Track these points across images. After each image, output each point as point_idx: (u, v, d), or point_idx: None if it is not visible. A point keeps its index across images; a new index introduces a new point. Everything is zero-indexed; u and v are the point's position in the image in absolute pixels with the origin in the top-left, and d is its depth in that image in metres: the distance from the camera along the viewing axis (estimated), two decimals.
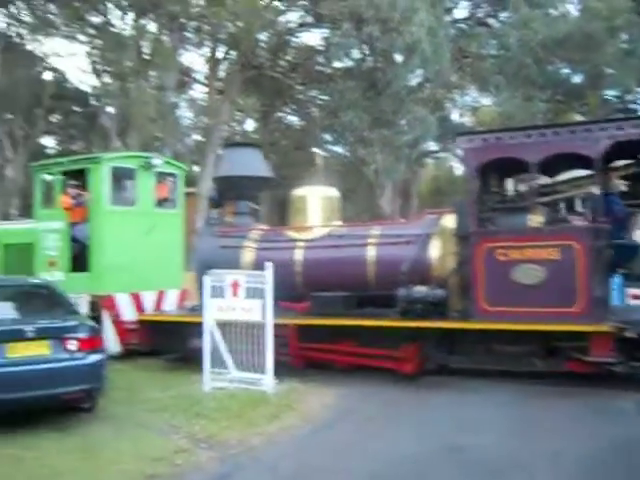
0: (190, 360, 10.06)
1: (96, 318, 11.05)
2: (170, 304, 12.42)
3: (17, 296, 8.28)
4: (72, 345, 7.23)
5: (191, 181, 24.90)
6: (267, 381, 8.64)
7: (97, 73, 23.21)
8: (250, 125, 32.42)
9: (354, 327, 9.63)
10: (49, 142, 37.02)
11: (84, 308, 11.23)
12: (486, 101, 36.49)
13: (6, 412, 7.00)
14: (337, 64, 24.56)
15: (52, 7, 24.62)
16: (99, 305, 11.45)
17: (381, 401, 8.47)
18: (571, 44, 24.08)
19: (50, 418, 7.33)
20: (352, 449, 6.51)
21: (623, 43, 24.88)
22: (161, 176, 12.74)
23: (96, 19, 23.33)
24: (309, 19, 24.23)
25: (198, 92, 29.57)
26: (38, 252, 12.30)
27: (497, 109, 31.75)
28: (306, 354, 10.00)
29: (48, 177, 12.57)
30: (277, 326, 9.44)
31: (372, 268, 10.05)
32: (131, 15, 22.06)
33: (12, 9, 25.28)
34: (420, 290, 9.17)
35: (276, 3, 22.15)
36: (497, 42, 26.22)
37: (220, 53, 22.92)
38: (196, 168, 26.48)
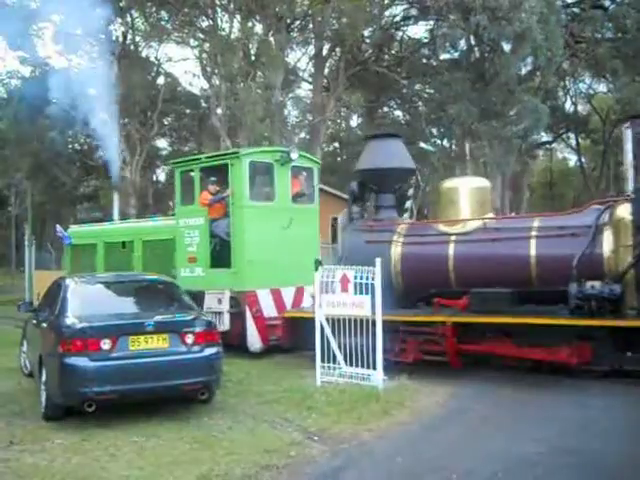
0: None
1: (237, 314, 11.55)
2: (307, 300, 12.08)
3: (137, 292, 8.72)
4: (189, 339, 7.49)
5: None
6: (377, 377, 8.61)
7: (207, 76, 23.96)
8: (355, 121, 32.52)
9: (518, 325, 8.96)
10: (162, 144, 38.69)
11: (225, 304, 11.59)
12: (602, 87, 34.93)
13: (129, 402, 7.37)
14: (443, 56, 24.21)
15: (164, 14, 25.63)
16: (241, 301, 11.58)
17: (493, 401, 8.25)
18: None
19: (169, 409, 7.64)
20: (465, 448, 6.39)
21: None
22: (296, 170, 12.63)
23: (205, 23, 24.10)
24: (414, 12, 23.95)
25: (304, 90, 30.01)
26: (178, 248, 12.52)
27: (615, 95, 30.26)
28: (465, 353, 9.43)
29: (188, 174, 12.76)
30: (432, 324, 9.44)
31: (534, 263, 9.29)
32: (238, 18, 22.63)
33: (127, 17, 26.55)
34: (594, 285, 8.44)
35: None
36: (613, 25, 24.95)
37: (325, 50, 23.08)
38: None
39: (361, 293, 8.77)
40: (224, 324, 11.39)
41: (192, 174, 12.49)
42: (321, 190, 22.18)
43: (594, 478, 5.51)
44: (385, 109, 29.52)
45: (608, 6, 26.46)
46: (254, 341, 11.43)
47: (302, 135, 31.25)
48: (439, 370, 9.72)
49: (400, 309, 10.10)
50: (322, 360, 8.99)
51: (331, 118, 22.63)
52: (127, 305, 8.23)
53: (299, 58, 29.23)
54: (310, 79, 25.87)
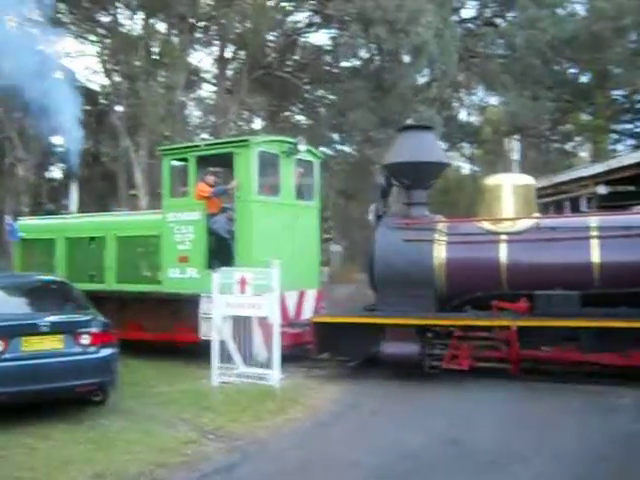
0: (380, 365, 9.60)
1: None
2: (310, 305, 11.56)
3: (31, 292, 8.52)
4: (85, 339, 7.44)
5: None
6: (274, 376, 8.82)
7: (107, 73, 23.43)
8: (258, 124, 32.63)
9: (586, 329, 8.58)
10: (58, 141, 37.30)
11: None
12: (493, 100, 36.62)
13: (22, 404, 7.24)
14: (345, 64, 24.74)
15: (62, 7, 24.83)
16: None
17: (385, 396, 8.66)
18: (578, 44, 24.18)
19: (63, 411, 7.54)
20: (356, 442, 6.71)
21: (631, 43, 24.94)
22: (299, 163, 11.79)
23: (106, 19, 23.56)
24: (317, 19, 24.39)
25: (206, 92, 29.84)
26: (165, 246, 11.23)
27: (504, 108, 31.85)
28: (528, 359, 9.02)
29: (179, 163, 11.76)
30: (491, 329, 9.04)
31: (597, 264, 9.02)
32: (140, 15, 22.29)
33: (22, 9, 25.50)
34: None
35: (284, 3, 22.32)
36: (504, 42, 26.32)
37: (229, 53, 23.12)
38: None
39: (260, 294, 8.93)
40: (226, 332, 10.12)
41: (186, 163, 11.38)
42: None
43: (472, 464, 5.93)
44: (287, 113, 29.83)
45: (499, 24, 27.88)
46: (260, 351, 10.27)
47: (204, 136, 31.06)
48: (334, 369, 10.06)
49: (444, 312, 9.65)
50: (222, 361, 9.11)
51: (234, 120, 22.65)
52: (20, 306, 8.02)
53: (201, 59, 29.11)
54: (214, 81, 25.83)
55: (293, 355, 10.55)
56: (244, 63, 21.52)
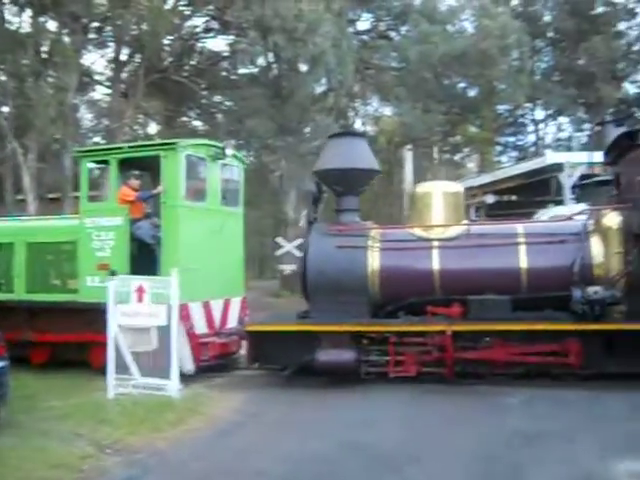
0: (316, 374, 9.48)
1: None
2: (234, 313, 11.34)
3: None
4: None
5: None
6: (172, 386, 8.68)
7: None
8: (153, 128, 32.01)
9: (516, 332, 8.93)
10: None
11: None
12: (387, 111, 37.69)
13: None
14: (243, 71, 24.75)
15: None
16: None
17: (286, 404, 8.71)
18: (467, 60, 25.27)
19: None
20: (259, 450, 6.71)
21: (514, 61, 26.36)
22: (224, 168, 11.51)
23: None
24: (215, 25, 24.25)
25: (100, 94, 28.98)
26: (82, 253, 10.71)
27: (398, 119, 32.85)
28: (460, 362, 9.18)
29: (98, 166, 11.19)
30: (426, 334, 9.13)
31: (525, 269, 9.37)
32: (29, 12, 21.35)
33: None
34: (597, 291, 8.69)
35: (182, 8, 22.04)
36: (398, 55, 27.14)
37: (124, 55, 22.56)
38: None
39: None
40: (151, 342, 9.42)
41: (107, 166, 10.86)
42: None
43: (371, 467, 6.09)
44: (184, 118, 29.44)
45: (393, 37, 28.74)
46: (186, 362, 9.99)
47: (97, 139, 30.14)
48: (234, 378, 10.03)
49: (378, 319, 9.67)
50: (118, 372, 8.87)
51: (129, 124, 22.11)
52: None
53: (95, 60, 28.29)
54: (108, 83, 25.11)
55: (215, 366, 10.44)
56: (140, 66, 21.03)
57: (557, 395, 8.49)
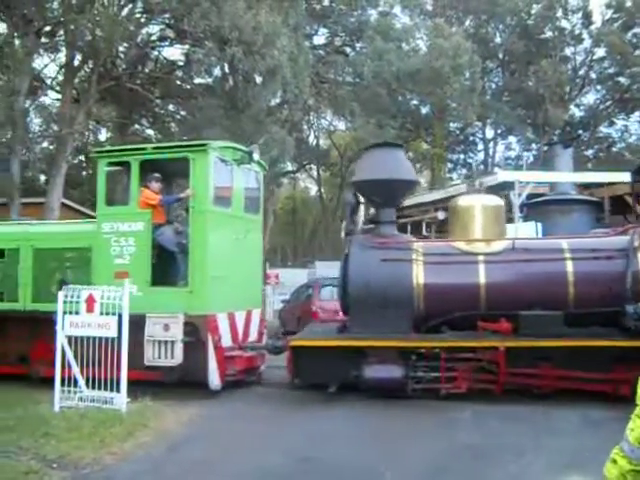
0: (366, 391, 9.22)
1: (191, 344, 9.46)
2: (255, 326, 10.87)
3: None
4: None
5: (40, 191, 23.83)
6: (120, 399, 8.50)
7: None
8: (104, 135, 31.57)
9: (564, 349, 8.72)
10: None
11: (178, 331, 9.36)
12: (341, 125, 38.06)
13: None
14: (198, 80, 24.62)
15: None
16: (200, 327, 9.52)
17: (239, 418, 8.64)
18: (420, 78, 25.75)
19: None
20: (208, 465, 6.62)
21: (466, 80, 26.96)
22: (247, 174, 11.10)
23: None
24: (170, 33, 24.08)
25: (51, 99, 28.42)
26: (99, 260, 10.07)
27: (351, 134, 33.19)
28: (512, 379, 9.03)
29: (117, 168, 10.59)
30: (481, 349, 8.98)
31: (572, 284, 9.27)
32: None
33: None
34: None
35: (137, 15, 21.82)
36: (353, 70, 27.45)
37: (77, 61, 22.17)
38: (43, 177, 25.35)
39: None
40: (175, 356, 9.33)
41: (128, 168, 10.19)
42: (63, 205, 21.21)
43: None
44: (137, 126, 29.10)
45: (349, 53, 29.08)
46: (213, 377, 9.46)
47: (44, 145, 29.52)
48: (182, 391, 9.87)
49: (426, 334, 9.47)
50: (64, 384, 8.64)
51: (79, 130, 21.71)
52: None
53: (47, 64, 27.70)
54: (58, 88, 24.64)
55: (240, 381, 10.07)
56: (93, 72, 20.70)
57: (507, 410, 8.63)
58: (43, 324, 9.95)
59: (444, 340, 9.21)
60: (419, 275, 9.58)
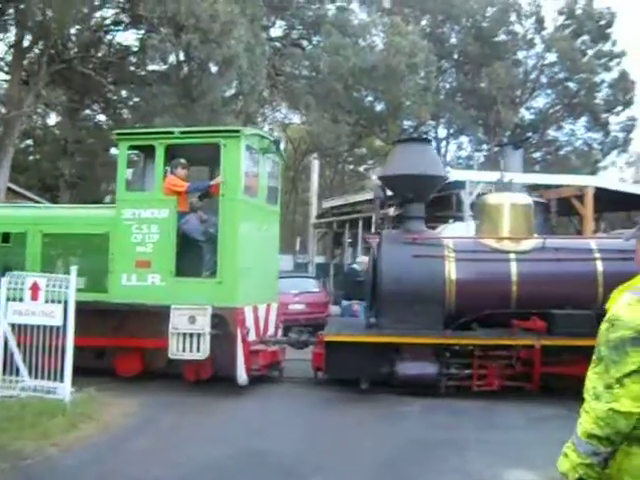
0: (396, 387, 9.09)
1: (217, 337, 9.12)
2: (273, 320, 10.61)
3: None
4: None
5: None
6: (64, 389, 8.32)
7: None
8: (53, 119, 30.80)
9: None
10: None
11: (205, 324, 9.01)
12: (296, 119, 37.98)
13: None
14: (152, 67, 24.22)
15: None
16: (229, 320, 9.18)
17: (184, 409, 8.55)
18: (376, 74, 25.86)
19: None
20: (154, 457, 6.55)
21: (421, 79, 27.19)
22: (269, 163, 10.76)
23: None
24: (125, 18, 23.64)
25: None
26: (118, 248, 9.62)
27: (306, 127, 33.16)
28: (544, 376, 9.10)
29: (141, 151, 10.20)
30: (515, 347, 9.02)
31: (602, 284, 9.36)
32: None
33: None
34: None
35: None
36: (309, 64, 27.40)
37: (27, 41, 21.56)
38: None
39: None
40: (203, 350, 9.02)
41: (152, 152, 9.77)
42: (9, 189, 20.62)
43: (272, 475, 6.10)
44: (88, 112, 28.48)
45: (306, 46, 29.00)
46: (241, 371, 9.14)
47: None
48: (127, 382, 9.73)
49: (456, 331, 9.43)
50: (5, 373, 8.42)
51: (28, 113, 21.12)
52: None
53: None
54: (7, 69, 23.91)
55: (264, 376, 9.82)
56: (43, 54, 20.15)
57: (455, 404, 8.79)
58: None
59: (480, 337, 9.29)
60: (451, 272, 9.59)
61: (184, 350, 9.10)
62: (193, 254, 9.67)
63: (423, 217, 10.30)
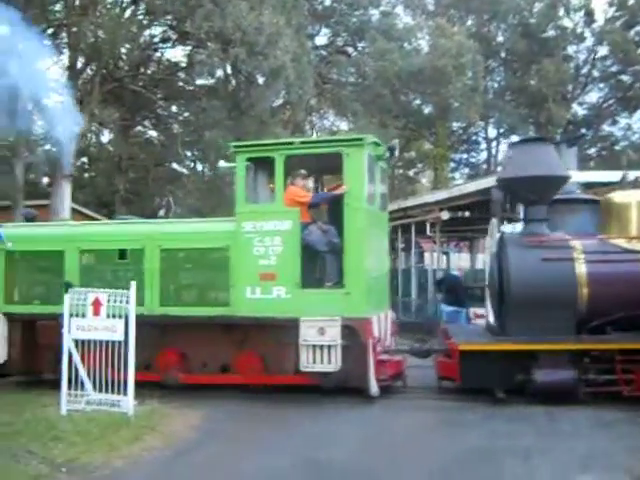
0: (536, 396, 8.95)
1: (348, 348, 9.08)
2: (389, 329, 10.40)
3: None
4: None
5: (44, 194, 23.79)
6: (127, 402, 8.48)
7: None
8: (107, 137, 31.54)
9: None
10: None
11: (336, 335, 8.97)
12: (344, 126, 38.01)
13: None
14: (200, 82, 24.62)
15: None
16: (359, 331, 9.13)
17: (246, 421, 8.59)
18: (423, 77, 25.70)
19: None
20: (218, 469, 6.61)
21: (468, 80, 26.90)
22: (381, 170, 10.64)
23: None
24: (172, 35, 24.09)
25: (54, 101, 28.35)
26: (241, 261, 9.65)
27: (354, 134, 33.09)
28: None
29: (259, 163, 10.09)
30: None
31: None
32: None
33: None
34: None
35: (140, 17, 21.82)
36: (355, 70, 27.41)
37: (80, 63, 22.18)
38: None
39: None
40: (335, 362, 8.97)
41: (271, 163, 9.75)
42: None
43: None
44: (140, 128, 29.11)
45: (351, 53, 29.06)
46: (373, 383, 9.05)
47: (47, 147, 29.49)
48: (189, 393, 9.84)
49: (594, 336, 9.19)
50: (71, 387, 8.63)
51: (82, 132, 21.71)
52: None
53: (49, 67, 27.65)
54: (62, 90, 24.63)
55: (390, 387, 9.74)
56: (96, 74, 20.69)
57: (517, 412, 8.60)
58: (170, 329, 10.05)
59: (624, 342, 8.98)
60: (582, 274, 9.32)
61: (314, 362, 9.09)
62: (315, 265, 9.70)
63: (546, 219, 9.97)
